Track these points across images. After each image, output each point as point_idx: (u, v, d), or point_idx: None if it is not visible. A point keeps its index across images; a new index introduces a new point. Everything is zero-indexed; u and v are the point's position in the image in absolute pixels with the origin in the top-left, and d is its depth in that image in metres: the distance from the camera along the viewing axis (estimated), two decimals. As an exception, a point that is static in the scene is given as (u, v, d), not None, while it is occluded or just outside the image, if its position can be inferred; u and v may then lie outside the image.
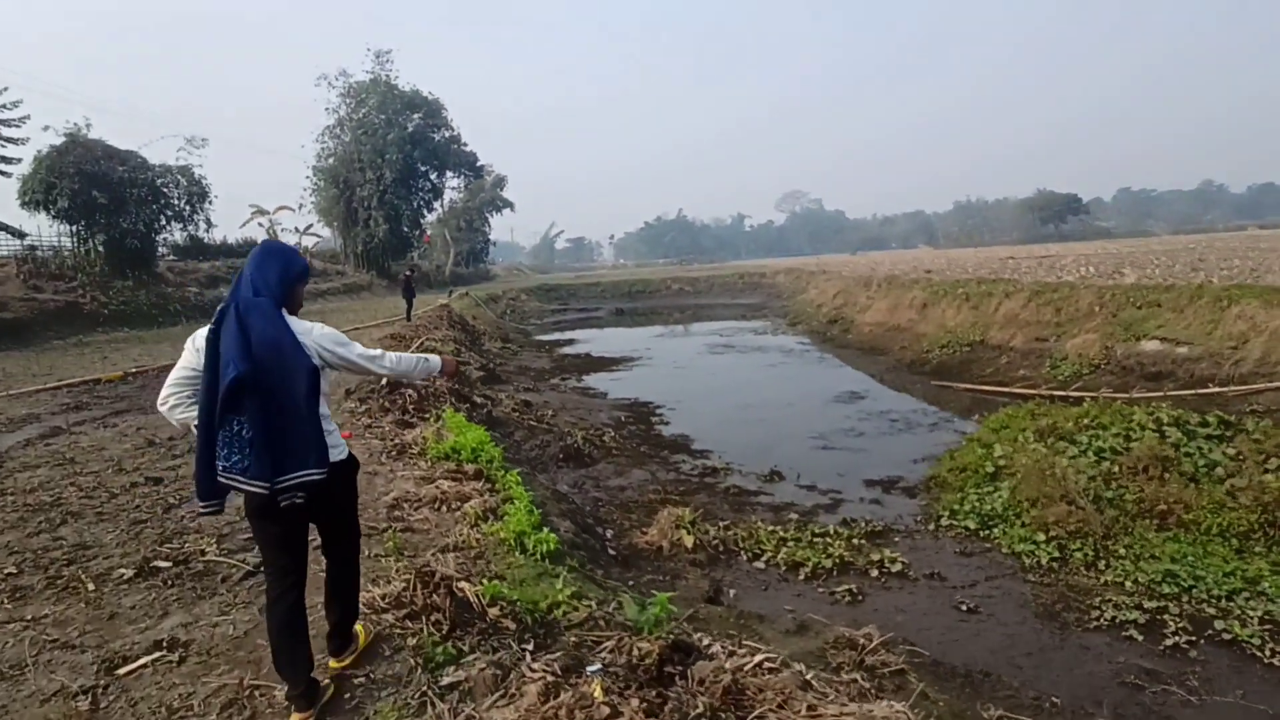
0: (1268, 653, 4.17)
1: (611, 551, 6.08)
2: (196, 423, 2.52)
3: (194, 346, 2.61)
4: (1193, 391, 10.49)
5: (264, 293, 2.60)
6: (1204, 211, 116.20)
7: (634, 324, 36.15)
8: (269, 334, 2.50)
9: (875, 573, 5.66)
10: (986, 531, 6.55)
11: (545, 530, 4.34)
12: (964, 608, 4.99)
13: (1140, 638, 4.46)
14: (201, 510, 2.57)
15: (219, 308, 2.57)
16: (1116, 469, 7.26)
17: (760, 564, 5.95)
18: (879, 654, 3.82)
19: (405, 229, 43.40)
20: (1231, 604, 4.77)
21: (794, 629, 4.22)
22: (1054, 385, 12.55)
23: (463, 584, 3.22)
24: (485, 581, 3.41)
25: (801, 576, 5.68)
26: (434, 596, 3.26)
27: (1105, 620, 4.64)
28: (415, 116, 43.33)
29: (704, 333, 28.77)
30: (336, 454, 2.80)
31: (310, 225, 40.75)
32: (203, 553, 4.33)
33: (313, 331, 2.73)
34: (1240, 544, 5.57)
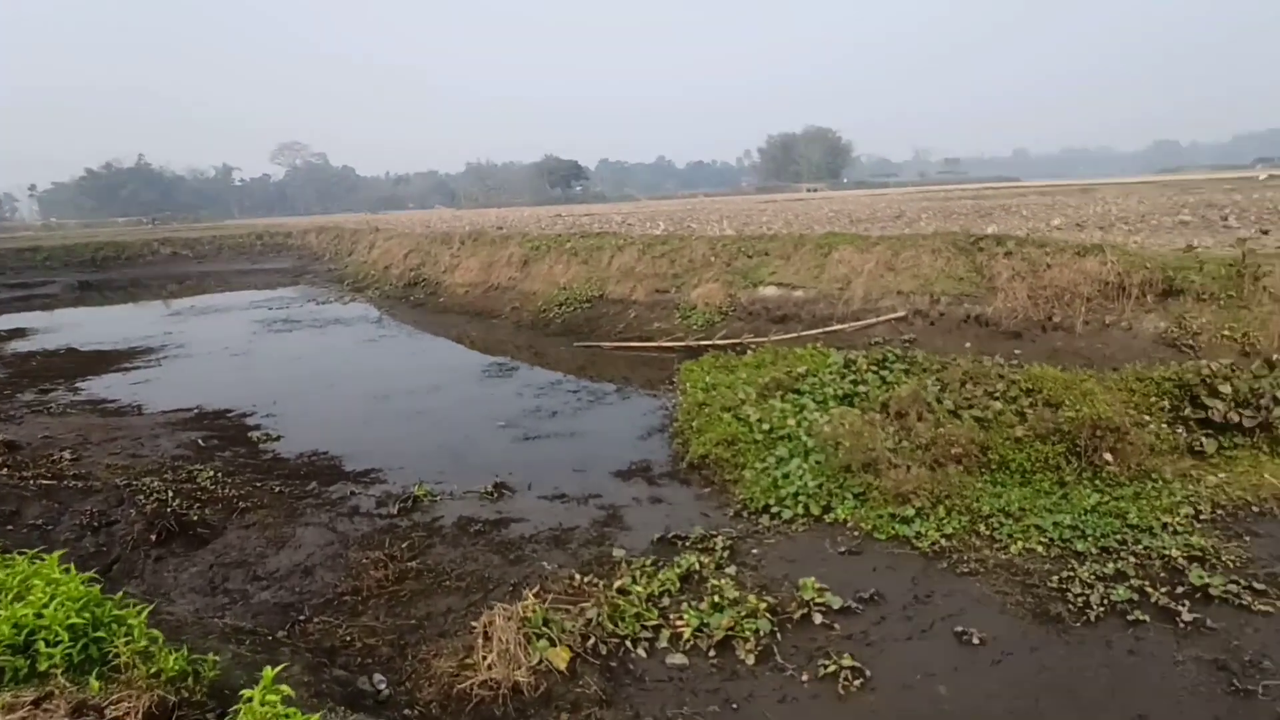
0: (1249, 599, 4.03)
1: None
2: None
3: None
4: (822, 330, 11.59)
5: None
6: (661, 181, 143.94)
7: (114, 301, 27.20)
8: None
9: (818, 619, 4.09)
10: (831, 515, 5.59)
11: None
12: (973, 640, 3.81)
13: (1147, 618, 3.92)
14: None
15: None
16: (877, 416, 7.11)
17: (677, 655, 3.80)
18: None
19: None
20: (1139, 548, 4.67)
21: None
22: (698, 335, 12.73)
23: None
24: None
25: (746, 658, 3.75)
26: None
27: (1098, 606, 4.00)
28: None
29: (240, 306, 22.77)
30: None
31: None
32: None
33: None
34: (1058, 477, 5.70)
